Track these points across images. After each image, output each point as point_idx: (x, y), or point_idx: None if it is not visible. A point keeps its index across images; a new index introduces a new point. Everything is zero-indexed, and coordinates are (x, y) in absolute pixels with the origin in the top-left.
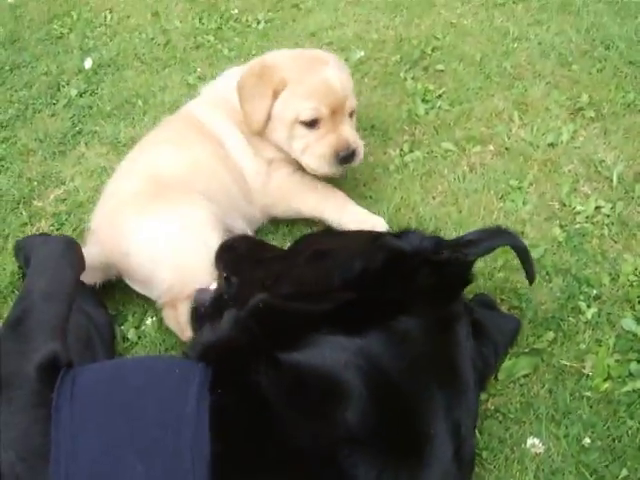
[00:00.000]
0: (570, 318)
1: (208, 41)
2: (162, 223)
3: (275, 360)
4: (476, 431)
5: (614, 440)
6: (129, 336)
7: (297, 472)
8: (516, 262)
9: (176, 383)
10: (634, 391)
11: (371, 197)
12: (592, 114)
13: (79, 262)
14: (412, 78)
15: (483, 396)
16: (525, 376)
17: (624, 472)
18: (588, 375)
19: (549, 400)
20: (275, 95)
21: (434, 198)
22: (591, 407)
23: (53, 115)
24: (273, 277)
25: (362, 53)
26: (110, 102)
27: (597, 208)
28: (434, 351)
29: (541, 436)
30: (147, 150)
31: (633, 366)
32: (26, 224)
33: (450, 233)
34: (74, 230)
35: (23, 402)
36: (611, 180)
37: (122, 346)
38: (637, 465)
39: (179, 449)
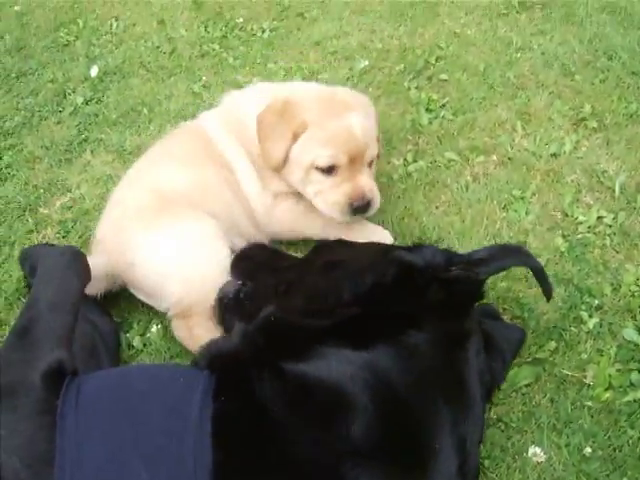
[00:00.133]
0: (572, 328)
1: (213, 49)
2: (168, 236)
3: (280, 370)
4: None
5: (615, 450)
6: (134, 344)
7: (298, 479)
8: (518, 272)
9: (180, 391)
10: (635, 401)
11: None
12: (595, 124)
13: (85, 272)
14: (416, 87)
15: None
16: (527, 385)
17: None
18: (589, 385)
19: (551, 409)
20: (295, 137)
21: (437, 208)
22: (592, 417)
23: (59, 123)
24: (285, 285)
25: (366, 62)
26: (116, 110)
27: (599, 218)
28: (442, 366)
29: (543, 445)
30: (155, 162)
31: (634, 376)
32: (32, 231)
33: (453, 243)
34: (80, 237)
35: (29, 409)
36: (613, 190)
37: (127, 353)
38: (637, 475)
39: (182, 456)
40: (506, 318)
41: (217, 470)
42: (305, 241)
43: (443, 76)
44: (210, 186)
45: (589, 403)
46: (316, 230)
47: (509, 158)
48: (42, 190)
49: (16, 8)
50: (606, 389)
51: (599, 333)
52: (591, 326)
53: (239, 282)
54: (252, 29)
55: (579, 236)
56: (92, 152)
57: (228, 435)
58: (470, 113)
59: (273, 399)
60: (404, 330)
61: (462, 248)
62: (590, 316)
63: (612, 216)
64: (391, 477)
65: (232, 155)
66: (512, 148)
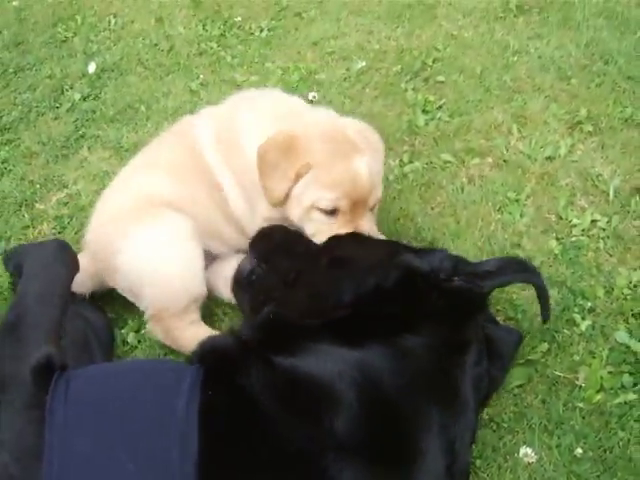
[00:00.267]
0: (564, 330)
1: (211, 48)
2: (143, 241)
3: (270, 364)
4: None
5: (605, 451)
6: (129, 340)
7: (283, 472)
8: None
9: (168, 384)
10: (626, 403)
11: None
12: (590, 128)
13: (72, 263)
14: (413, 89)
15: None
16: (519, 386)
17: None
18: (581, 386)
19: (542, 410)
20: (297, 178)
21: (433, 209)
22: (583, 418)
23: (56, 118)
24: (294, 274)
25: (363, 63)
26: (113, 107)
27: (593, 221)
28: (436, 371)
29: (534, 446)
30: (143, 170)
31: (626, 378)
32: (28, 227)
33: (448, 244)
34: (76, 233)
35: (18, 404)
36: (608, 194)
37: (122, 349)
38: (627, 476)
39: (168, 448)
40: (499, 319)
41: (202, 461)
42: None
43: (440, 78)
44: (196, 201)
45: (580, 404)
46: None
47: (504, 160)
48: (38, 185)
49: (14, 3)
50: (597, 391)
51: (591, 335)
52: (583, 328)
53: (255, 261)
54: (250, 28)
55: (573, 239)
56: (89, 148)
57: (214, 427)
58: (466, 115)
59: (261, 391)
60: (400, 333)
61: (456, 249)
62: (583, 318)
63: (606, 219)
64: (374, 473)
65: (220, 173)
66: (507, 151)
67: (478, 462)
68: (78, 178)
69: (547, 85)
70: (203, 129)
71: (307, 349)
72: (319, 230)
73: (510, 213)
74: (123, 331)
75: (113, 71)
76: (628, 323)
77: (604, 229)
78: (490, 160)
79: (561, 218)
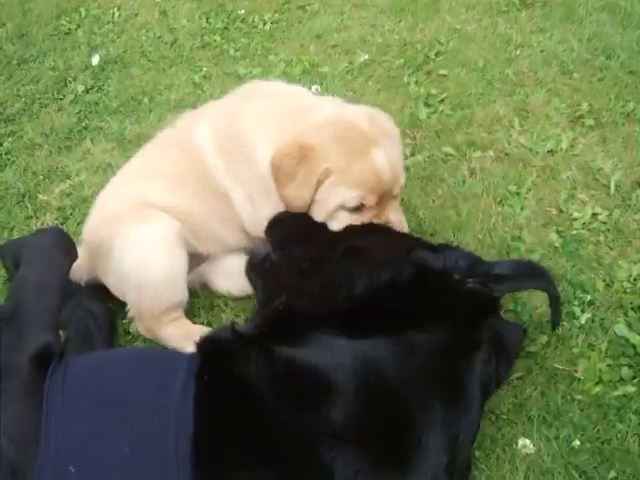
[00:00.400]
0: (564, 323)
1: (214, 41)
2: (131, 246)
3: (270, 352)
4: None
5: (603, 443)
6: (131, 330)
7: (277, 457)
8: None
9: (164, 371)
10: (624, 395)
11: None
12: (592, 122)
13: (70, 251)
14: (415, 82)
15: None
16: (518, 378)
17: (612, 474)
18: (580, 379)
19: (541, 402)
20: (319, 184)
21: (434, 201)
22: (582, 410)
23: (59, 110)
24: (309, 262)
25: (366, 56)
26: (116, 99)
27: (594, 215)
28: (443, 369)
29: (532, 437)
30: (141, 175)
31: (624, 371)
32: (31, 217)
33: (448, 236)
34: (78, 224)
35: (17, 391)
36: (608, 188)
37: (124, 339)
38: (625, 468)
39: (164, 432)
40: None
41: (197, 446)
42: None
43: (442, 71)
44: (195, 207)
45: (579, 397)
46: None
47: (506, 154)
48: (41, 177)
49: None
50: (596, 383)
51: (591, 328)
52: (583, 321)
53: (269, 247)
54: (253, 21)
55: (573, 232)
56: (92, 140)
57: (209, 412)
58: (468, 108)
59: (259, 379)
60: (409, 329)
61: (457, 241)
62: (582, 311)
63: (607, 213)
64: (368, 463)
65: (222, 178)
66: (509, 144)
67: (477, 453)
68: (81, 169)
69: (549, 79)
70: (203, 132)
71: (310, 340)
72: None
73: (511, 206)
74: (124, 321)
75: (116, 63)
76: (627, 316)
77: (605, 223)
78: (491, 153)
79: (562, 211)
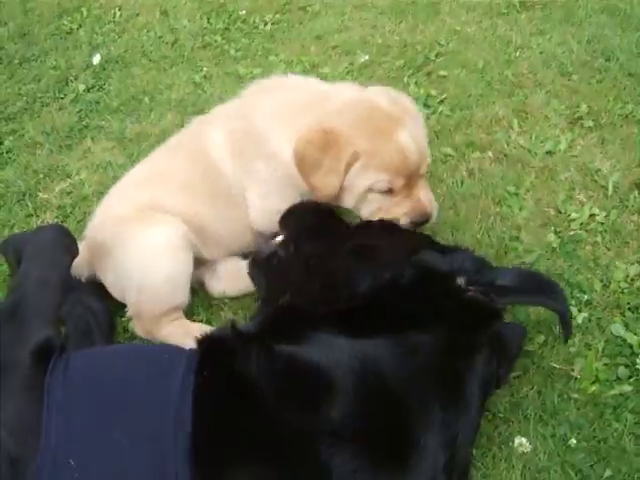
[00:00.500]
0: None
1: (215, 41)
2: (134, 246)
3: (270, 349)
4: None
5: (599, 441)
6: (129, 328)
7: (275, 454)
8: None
9: (164, 366)
10: (621, 394)
11: None
12: (590, 124)
13: (72, 247)
14: (415, 83)
15: None
16: (515, 377)
17: (608, 472)
18: (576, 378)
19: (537, 401)
20: (347, 170)
21: None
22: (578, 409)
23: (61, 109)
24: (316, 259)
25: (366, 57)
26: (117, 98)
27: (592, 216)
28: (443, 370)
29: (528, 435)
30: (151, 182)
31: (621, 370)
32: (31, 215)
33: (447, 236)
34: (78, 222)
35: (17, 385)
36: (606, 189)
37: (123, 337)
38: (621, 466)
39: (163, 427)
40: None
41: (195, 439)
42: None
43: (442, 72)
44: (207, 216)
45: (575, 395)
46: None
47: (505, 155)
48: (42, 175)
49: None
50: (593, 382)
51: (588, 328)
52: (580, 321)
53: (275, 245)
54: (254, 22)
55: (571, 233)
56: (92, 139)
57: (208, 407)
58: (467, 109)
59: (258, 376)
60: (410, 330)
61: (456, 241)
62: (579, 311)
63: (604, 214)
64: (366, 462)
65: (239, 180)
66: (508, 145)
67: (473, 451)
68: (81, 168)
69: (548, 80)
70: (217, 136)
71: (311, 338)
72: (379, 209)
73: (509, 206)
74: (124, 319)
75: (117, 63)
76: (624, 316)
77: (602, 223)
78: (490, 154)
79: (560, 212)
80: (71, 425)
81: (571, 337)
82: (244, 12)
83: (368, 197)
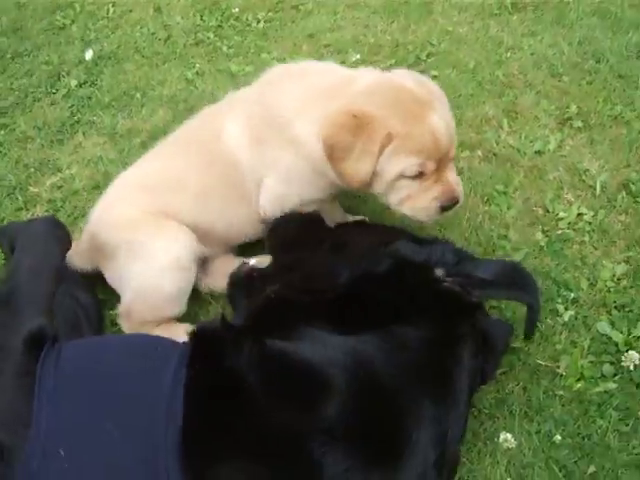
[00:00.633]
0: (547, 320)
1: (208, 38)
2: (141, 259)
3: (262, 344)
4: None
5: (584, 438)
6: (118, 320)
7: (266, 451)
8: None
9: (156, 358)
10: (605, 392)
11: (359, 196)
12: (580, 124)
13: (65, 239)
14: None
15: None
16: (501, 373)
17: (592, 468)
18: (562, 375)
19: (523, 397)
20: (380, 152)
21: None
22: (563, 405)
23: (52, 104)
24: (297, 261)
25: (358, 56)
26: (109, 93)
27: (579, 215)
28: (429, 363)
29: (513, 431)
30: (165, 186)
31: (606, 368)
32: (21, 209)
33: (435, 234)
34: (69, 216)
35: (9, 372)
36: (594, 189)
37: (110, 330)
38: (605, 463)
39: (154, 420)
40: None
41: (186, 433)
42: None
43: (433, 72)
44: (219, 221)
45: (561, 392)
46: None
47: (494, 154)
48: (33, 169)
49: None
50: (578, 379)
51: (574, 325)
52: (566, 318)
53: (252, 264)
54: (247, 19)
55: (559, 232)
56: (84, 134)
57: (199, 401)
58: (458, 109)
59: (249, 372)
60: (394, 323)
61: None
62: (566, 309)
63: (592, 213)
64: (359, 460)
65: (257, 170)
66: (497, 144)
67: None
68: (72, 163)
69: (539, 81)
70: (234, 129)
71: (301, 333)
72: (409, 196)
73: (498, 205)
74: (112, 312)
75: (110, 59)
76: (610, 314)
77: (590, 223)
78: (480, 153)
79: (548, 211)
80: (62, 415)
81: (557, 334)
82: (237, 10)
83: (398, 184)
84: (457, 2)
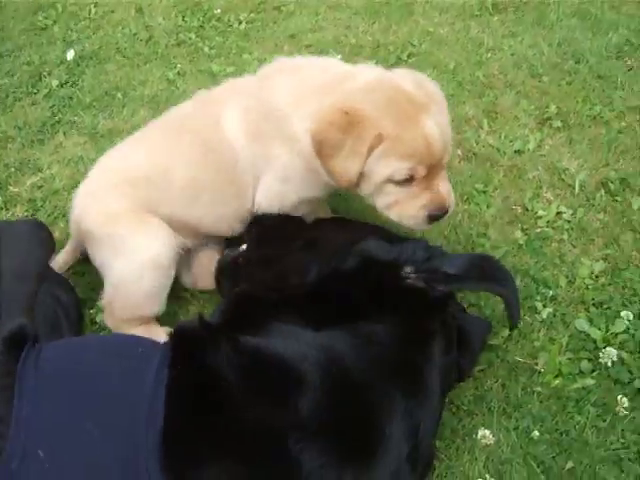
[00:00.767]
0: (526, 317)
1: (190, 38)
2: (122, 255)
3: (236, 342)
4: None
5: (562, 434)
6: (97, 320)
7: (246, 449)
8: None
9: (138, 359)
10: (583, 388)
11: (340, 195)
12: (559, 124)
13: (49, 242)
14: None
15: None
16: (480, 370)
17: (570, 464)
18: (540, 371)
19: (501, 394)
20: (369, 153)
21: None
22: (541, 402)
23: (33, 104)
24: (274, 256)
25: (339, 57)
26: (90, 94)
27: (558, 214)
28: (400, 359)
29: (492, 428)
30: (155, 184)
31: (584, 364)
32: (1, 209)
33: (415, 233)
34: (49, 216)
35: None
36: (573, 187)
37: (90, 329)
38: (582, 458)
39: (135, 420)
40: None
41: (167, 436)
42: None
43: None
44: (210, 217)
45: (539, 389)
46: None
47: (474, 153)
48: (13, 169)
49: None
50: (556, 376)
51: (552, 323)
52: (545, 316)
53: (238, 251)
54: (229, 20)
55: (538, 230)
56: (65, 134)
57: (179, 402)
58: None
59: (227, 369)
60: (362, 319)
61: (423, 238)
62: (544, 306)
63: (571, 212)
64: (334, 455)
65: (254, 166)
66: (477, 144)
67: (437, 443)
68: (53, 162)
69: (519, 82)
70: (231, 123)
71: (273, 329)
72: (395, 201)
73: (477, 204)
74: (92, 311)
75: (91, 59)
76: (588, 312)
77: (569, 221)
78: (460, 152)
79: (527, 210)
80: (42, 415)
81: (535, 331)
82: (219, 11)
83: (386, 188)
84: (438, 3)
